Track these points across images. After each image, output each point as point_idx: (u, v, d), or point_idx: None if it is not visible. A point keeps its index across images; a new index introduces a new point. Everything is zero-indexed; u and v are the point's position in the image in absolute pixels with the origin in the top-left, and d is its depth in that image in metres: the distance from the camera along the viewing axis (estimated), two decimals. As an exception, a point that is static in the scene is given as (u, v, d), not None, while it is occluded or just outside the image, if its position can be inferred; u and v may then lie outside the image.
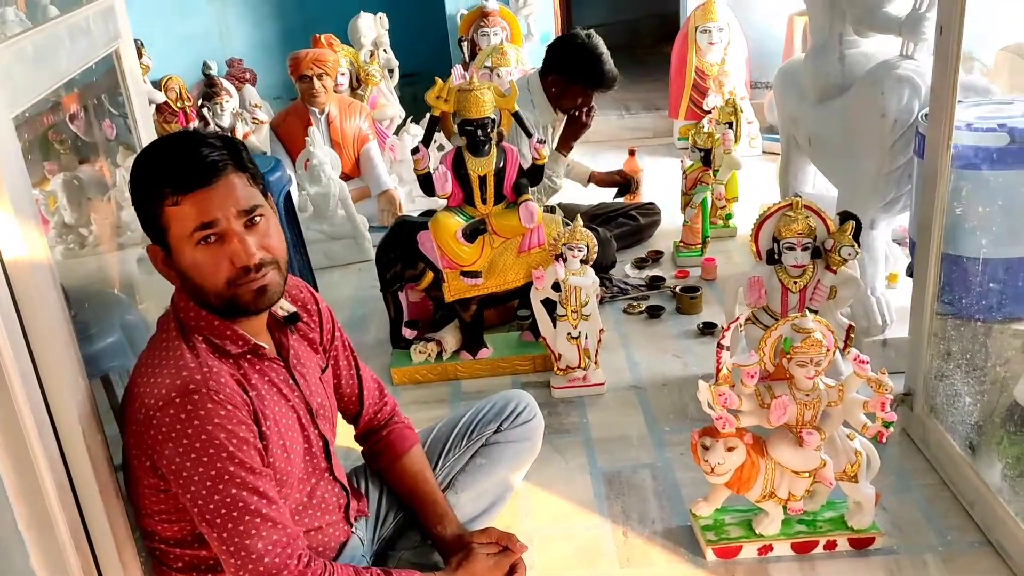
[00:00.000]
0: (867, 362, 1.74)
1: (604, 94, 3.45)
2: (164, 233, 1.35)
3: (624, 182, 3.77)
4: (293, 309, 1.56)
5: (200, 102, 4.47)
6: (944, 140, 2.00)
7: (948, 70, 1.95)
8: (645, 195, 3.87)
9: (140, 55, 4.35)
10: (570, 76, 3.35)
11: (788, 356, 1.75)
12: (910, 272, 2.27)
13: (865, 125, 2.44)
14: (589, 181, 3.81)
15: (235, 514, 1.31)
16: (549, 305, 2.55)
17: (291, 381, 1.50)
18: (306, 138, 3.61)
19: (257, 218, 1.37)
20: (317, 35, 4.54)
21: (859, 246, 2.18)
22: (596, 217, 3.56)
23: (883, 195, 2.44)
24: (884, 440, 1.78)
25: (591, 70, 3.33)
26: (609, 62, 3.35)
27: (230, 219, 1.33)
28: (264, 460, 1.37)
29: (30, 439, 1.20)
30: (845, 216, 2.20)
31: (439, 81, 2.54)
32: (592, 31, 3.41)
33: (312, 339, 1.62)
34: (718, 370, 1.78)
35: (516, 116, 2.59)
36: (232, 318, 1.41)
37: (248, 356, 1.43)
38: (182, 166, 1.32)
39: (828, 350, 1.74)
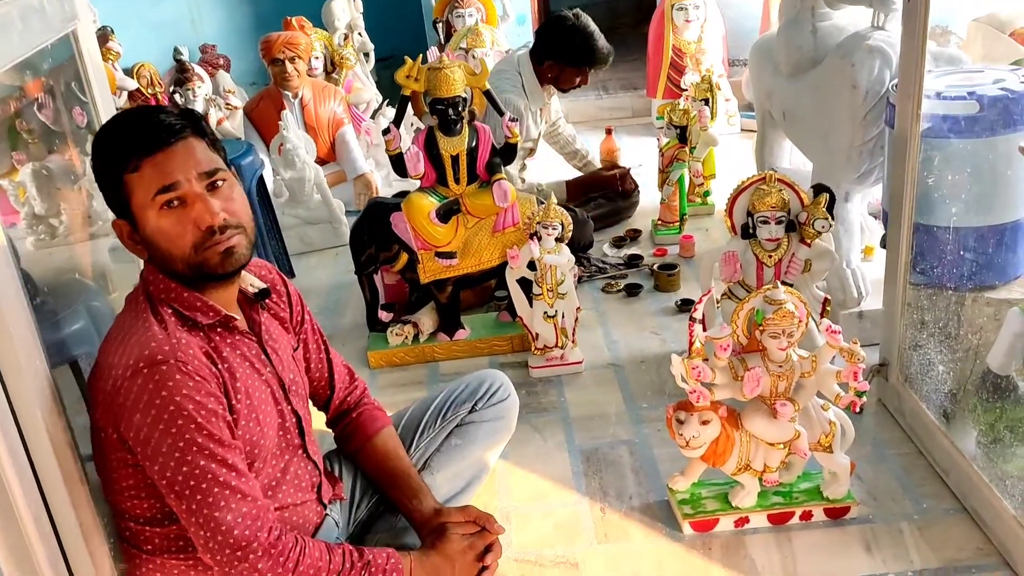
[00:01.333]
0: (839, 332, 1.73)
1: (600, 71, 3.47)
2: (127, 203, 1.35)
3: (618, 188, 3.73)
4: (263, 285, 1.55)
5: (172, 88, 4.42)
6: (913, 110, 2.00)
7: (916, 39, 1.94)
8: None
9: (109, 41, 4.29)
10: (565, 59, 3.36)
11: (760, 328, 1.75)
12: (884, 244, 2.27)
13: (837, 97, 2.44)
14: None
15: (203, 486, 1.30)
16: (525, 284, 2.54)
17: (263, 356, 1.49)
18: (279, 122, 3.58)
19: (219, 182, 1.37)
20: (288, 18, 4.48)
21: (833, 219, 2.18)
22: (576, 197, 3.55)
23: (856, 167, 2.44)
24: (857, 410, 1.78)
25: (586, 50, 3.34)
26: (601, 38, 3.37)
27: (191, 180, 1.33)
28: (233, 433, 1.36)
29: (-12, 427, 1.17)
30: (818, 189, 2.20)
31: (408, 60, 2.52)
32: (579, 10, 3.39)
33: (283, 318, 1.61)
34: (691, 344, 1.77)
35: (487, 94, 2.57)
36: (201, 287, 1.40)
37: (219, 329, 1.42)
38: (139, 132, 1.33)
39: (800, 321, 1.73)
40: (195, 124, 1.37)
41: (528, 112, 3.40)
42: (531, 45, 3.47)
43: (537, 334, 2.56)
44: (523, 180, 3.59)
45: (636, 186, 3.70)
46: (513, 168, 3.38)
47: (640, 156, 4.13)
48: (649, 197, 3.69)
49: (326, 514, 1.61)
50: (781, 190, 2.19)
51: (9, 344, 1.24)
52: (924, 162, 2.09)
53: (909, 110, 2.00)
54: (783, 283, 2.03)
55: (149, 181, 1.32)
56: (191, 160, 1.33)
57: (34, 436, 1.28)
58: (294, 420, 1.54)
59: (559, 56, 3.34)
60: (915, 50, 1.95)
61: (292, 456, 1.53)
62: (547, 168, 3.97)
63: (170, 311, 1.38)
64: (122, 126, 1.37)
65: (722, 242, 3.28)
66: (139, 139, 1.32)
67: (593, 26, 3.36)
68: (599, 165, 3.86)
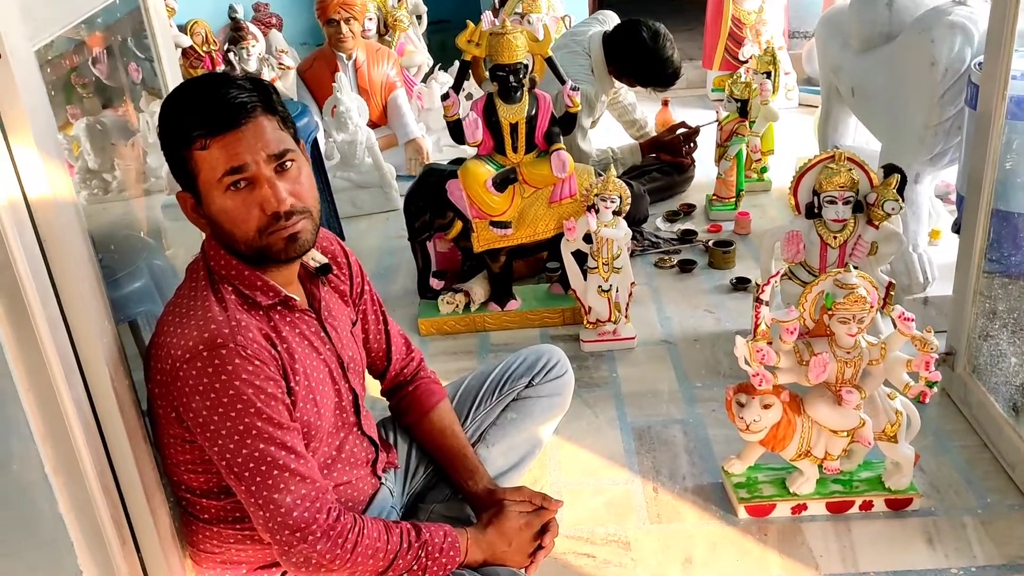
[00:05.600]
0: (912, 319, 1.68)
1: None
2: (194, 179, 1.31)
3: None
4: (325, 260, 1.52)
5: (226, 46, 4.40)
6: (999, 90, 1.91)
7: (1006, 14, 1.85)
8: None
9: (165, -2, 4.28)
10: (633, 75, 3.32)
11: (829, 312, 1.70)
12: (956, 228, 2.19)
13: (913, 74, 2.35)
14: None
15: (263, 468, 1.28)
16: (580, 257, 2.50)
17: (323, 334, 1.46)
18: (333, 84, 3.55)
19: (288, 163, 1.32)
20: (344, -22, 4.43)
21: (903, 200, 2.11)
22: (630, 171, 3.49)
23: (930, 148, 2.35)
24: (927, 400, 1.73)
25: (655, 74, 3.30)
26: (672, 65, 3.28)
27: (260, 163, 1.28)
28: (292, 415, 1.34)
29: (56, 382, 1.17)
30: (889, 169, 2.12)
31: (471, 24, 2.47)
32: (660, 26, 3.28)
33: (343, 291, 1.58)
34: (756, 326, 1.72)
35: (549, 61, 2.52)
36: (263, 267, 1.37)
37: (279, 308, 1.40)
38: (210, 109, 1.27)
39: (871, 307, 1.68)
40: (266, 101, 1.31)
41: (597, 98, 3.34)
42: (606, 29, 3.38)
43: (590, 308, 2.53)
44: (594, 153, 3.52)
45: (693, 161, 3.63)
46: (586, 145, 3.34)
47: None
48: (704, 171, 3.62)
49: (381, 484, 1.60)
50: (851, 169, 2.12)
51: (77, 299, 1.24)
52: (1005, 145, 2.01)
53: (994, 90, 1.92)
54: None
55: (216, 161, 1.27)
56: (260, 141, 1.28)
57: (100, 391, 1.29)
58: (351, 398, 1.52)
59: (629, 72, 3.30)
60: (1005, 26, 1.86)
61: (347, 434, 1.52)
62: (602, 137, 3.91)
63: (230, 289, 1.36)
64: (192, 100, 1.31)
65: (779, 220, 3.23)
66: (208, 117, 1.27)
67: (668, 50, 3.25)
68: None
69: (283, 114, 1.35)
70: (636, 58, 3.25)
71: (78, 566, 1.23)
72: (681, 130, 3.61)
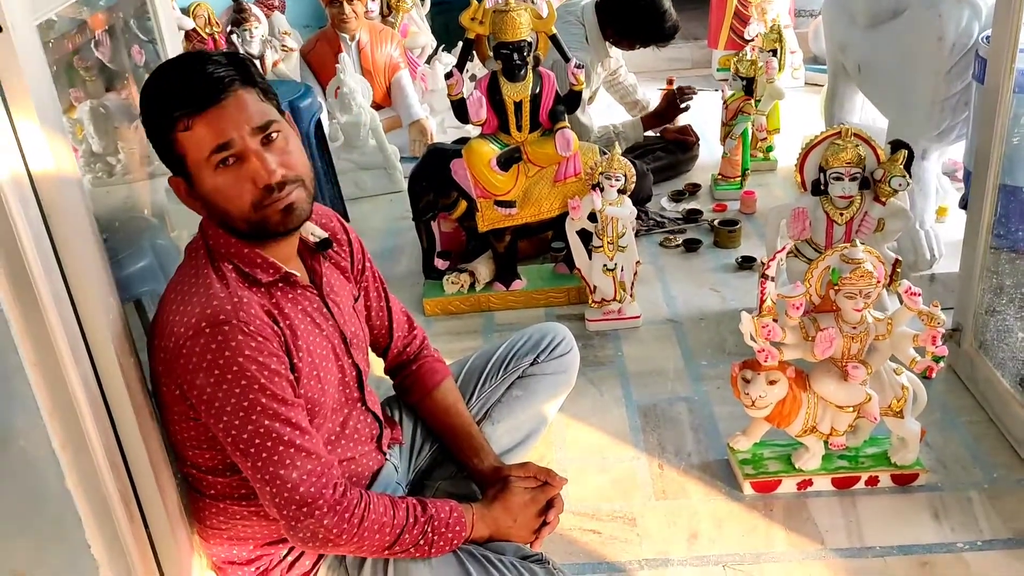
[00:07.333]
0: (918, 294, 1.67)
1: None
2: (182, 162, 1.30)
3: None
4: (324, 235, 1.51)
5: (229, 28, 4.38)
6: (1007, 64, 1.90)
7: (1016, -12, 1.83)
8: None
9: (167, -21, 4.26)
10: (629, 34, 3.28)
11: (835, 287, 1.69)
12: (963, 204, 2.18)
13: (920, 50, 2.33)
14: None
15: (268, 444, 1.29)
16: (584, 236, 2.49)
17: (325, 309, 1.46)
18: (336, 65, 3.54)
19: (274, 134, 1.30)
20: (346, -42, 4.40)
21: (910, 177, 2.09)
22: (633, 150, 3.48)
23: (937, 123, 2.34)
24: (933, 375, 1.73)
25: (652, 30, 3.26)
26: (671, 18, 3.25)
27: (245, 137, 1.27)
28: (295, 391, 1.34)
29: (63, 357, 1.17)
30: (897, 145, 2.11)
31: (474, 2, 2.45)
32: None
33: (344, 267, 1.58)
34: (762, 301, 1.72)
35: (554, 39, 2.50)
36: (262, 242, 1.36)
37: (280, 284, 1.39)
38: (188, 87, 1.26)
39: (878, 282, 1.67)
40: (244, 73, 1.29)
41: (593, 66, 3.31)
42: None
43: (595, 287, 2.52)
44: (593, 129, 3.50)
45: (697, 140, 3.61)
46: (585, 118, 3.30)
47: (700, 108, 4.00)
48: (709, 151, 3.60)
49: (386, 460, 1.60)
50: (857, 145, 2.11)
51: (82, 274, 1.24)
52: (1012, 119, 1.99)
53: (1002, 64, 1.90)
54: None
55: (202, 140, 1.26)
56: (243, 115, 1.27)
57: (107, 370, 1.29)
58: (354, 374, 1.52)
59: (623, 30, 3.26)
60: (1012, 1, 1.84)
61: (351, 410, 1.52)
62: (603, 114, 3.89)
63: (231, 267, 1.35)
64: (169, 80, 1.29)
65: (785, 199, 3.21)
66: (187, 96, 1.25)
67: (665, 4, 3.22)
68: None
69: (263, 85, 1.33)
70: (633, 15, 3.22)
71: (86, 541, 1.23)
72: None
